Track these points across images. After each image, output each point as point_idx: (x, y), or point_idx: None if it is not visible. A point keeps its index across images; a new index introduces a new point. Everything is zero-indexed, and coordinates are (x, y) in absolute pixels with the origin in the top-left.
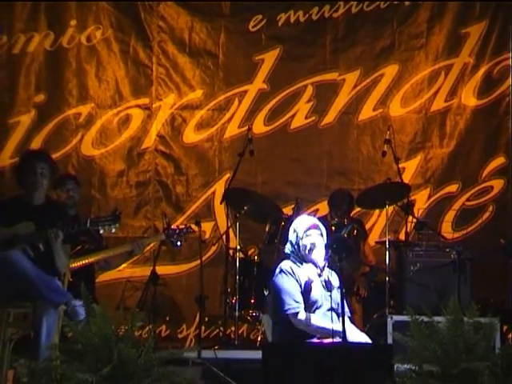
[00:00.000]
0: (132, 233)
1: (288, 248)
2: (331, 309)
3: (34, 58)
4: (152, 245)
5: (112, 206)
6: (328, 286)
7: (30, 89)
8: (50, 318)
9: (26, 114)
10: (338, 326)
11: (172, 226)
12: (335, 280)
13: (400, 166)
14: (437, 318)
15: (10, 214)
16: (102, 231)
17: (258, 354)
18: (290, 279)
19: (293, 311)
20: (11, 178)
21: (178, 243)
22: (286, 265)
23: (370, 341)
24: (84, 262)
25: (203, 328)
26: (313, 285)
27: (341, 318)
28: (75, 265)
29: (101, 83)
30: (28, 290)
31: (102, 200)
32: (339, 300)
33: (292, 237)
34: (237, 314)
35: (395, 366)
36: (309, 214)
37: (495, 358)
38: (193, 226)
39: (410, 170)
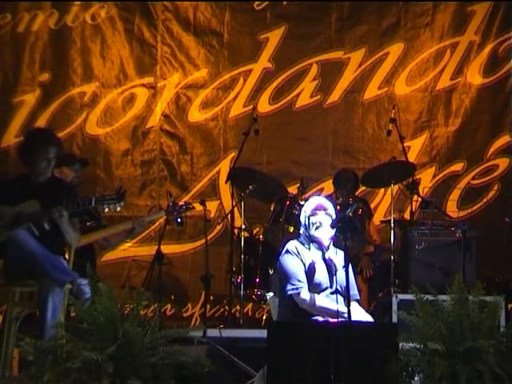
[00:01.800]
0: (137, 212)
1: (300, 229)
2: (336, 291)
3: (39, 37)
4: (157, 223)
5: (117, 185)
6: (332, 267)
7: (35, 68)
8: (55, 297)
9: (31, 93)
10: (342, 308)
11: (172, 203)
12: (340, 259)
13: (405, 144)
14: (442, 297)
15: (15, 192)
16: (106, 210)
17: (263, 333)
18: (294, 259)
19: (296, 291)
20: (16, 156)
21: (179, 220)
22: (291, 245)
23: None
24: (85, 240)
25: (208, 307)
26: (316, 267)
27: (346, 299)
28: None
29: (105, 62)
30: (34, 268)
31: (107, 179)
32: (344, 282)
33: (302, 217)
34: (242, 292)
35: (400, 345)
36: (315, 194)
37: (500, 336)
38: (196, 205)
39: (415, 148)
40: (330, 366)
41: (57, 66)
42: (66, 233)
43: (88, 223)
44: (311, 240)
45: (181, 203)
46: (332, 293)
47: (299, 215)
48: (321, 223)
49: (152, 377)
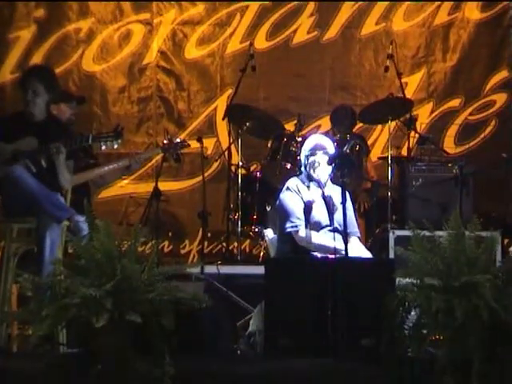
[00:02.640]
0: (134, 149)
1: (302, 167)
2: (335, 229)
3: None
4: (153, 161)
5: (113, 122)
6: (331, 205)
7: (30, 3)
8: (53, 233)
9: (26, 29)
10: (340, 245)
11: (167, 141)
12: (338, 196)
13: (402, 80)
14: (438, 233)
15: (12, 129)
16: (104, 147)
17: (260, 269)
18: (294, 196)
19: (295, 229)
20: (12, 92)
21: (174, 156)
22: (292, 182)
23: None
24: (81, 177)
25: (206, 243)
26: (315, 205)
27: (344, 236)
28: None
29: None
30: (31, 205)
31: (104, 116)
32: (342, 220)
33: (302, 156)
34: (239, 229)
35: (397, 280)
36: (312, 130)
37: (496, 270)
38: (193, 143)
39: (412, 84)
40: (327, 302)
41: (52, 1)
42: (60, 172)
43: (84, 160)
44: (310, 179)
45: (177, 140)
46: (331, 230)
47: (296, 152)
48: (318, 163)
49: (151, 312)
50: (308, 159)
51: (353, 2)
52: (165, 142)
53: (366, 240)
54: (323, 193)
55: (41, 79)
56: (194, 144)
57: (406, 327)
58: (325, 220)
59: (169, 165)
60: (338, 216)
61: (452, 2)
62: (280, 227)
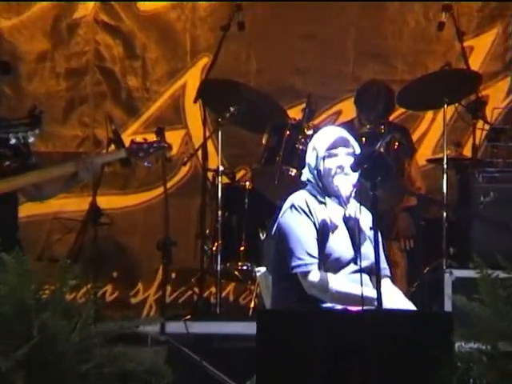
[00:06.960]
0: (61, 146)
1: (306, 174)
2: (360, 269)
3: None
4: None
5: (29, 105)
6: (357, 232)
7: None
8: None
9: None
10: (369, 292)
11: (137, 139)
12: (365, 219)
13: (466, 44)
14: None
15: None
16: (14, 141)
17: (250, 327)
18: (304, 220)
19: (304, 269)
20: None
21: (146, 163)
22: (300, 198)
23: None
24: (4, 186)
25: (169, 289)
26: (336, 233)
27: (375, 276)
28: None
29: None
30: None
31: (15, 96)
32: (370, 252)
33: (311, 158)
34: (219, 267)
35: (456, 345)
36: (328, 120)
37: None
38: (150, 136)
39: (480, 50)
40: (348, 376)
41: None
42: None
43: (9, 162)
44: (327, 192)
45: (150, 140)
46: (356, 271)
47: (305, 152)
48: (342, 168)
49: None
50: (323, 163)
51: None
52: (137, 141)
53: (408, 284)
54: (345, 214)
55: None
56: (152, 138)
57: None
58: (347, 255)
59: (113, 170)
60: (366, 249)
61: None
62: (280, 266)
